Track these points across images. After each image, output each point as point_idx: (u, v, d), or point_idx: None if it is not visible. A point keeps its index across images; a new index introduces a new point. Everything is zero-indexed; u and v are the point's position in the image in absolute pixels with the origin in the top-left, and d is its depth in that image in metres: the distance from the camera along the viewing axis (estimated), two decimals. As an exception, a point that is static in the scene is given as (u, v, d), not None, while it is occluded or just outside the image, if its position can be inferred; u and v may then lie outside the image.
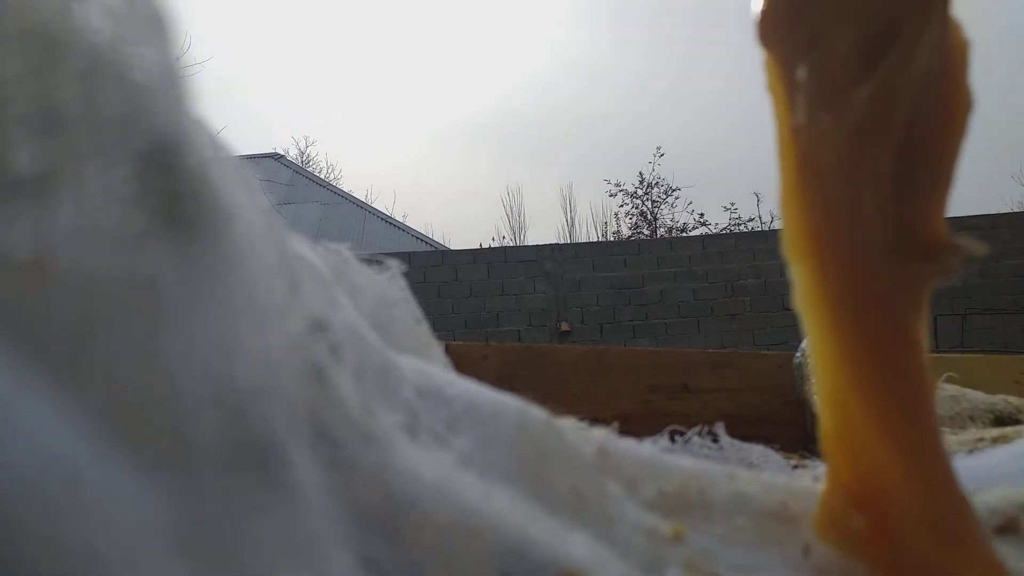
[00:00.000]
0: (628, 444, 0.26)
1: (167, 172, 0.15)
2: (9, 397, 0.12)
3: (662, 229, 12.46)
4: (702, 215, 12.43)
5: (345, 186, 14.44)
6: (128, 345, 0.14)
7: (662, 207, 12.70)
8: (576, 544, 0.20)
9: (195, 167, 0.15)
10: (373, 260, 0.28)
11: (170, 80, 0.16)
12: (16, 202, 0.13)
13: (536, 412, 0.24)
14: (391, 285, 0.28)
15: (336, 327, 0.20)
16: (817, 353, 0.24)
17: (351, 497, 0.17)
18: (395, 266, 0.29)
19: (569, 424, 0.25)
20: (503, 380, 0.76)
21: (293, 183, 10.55)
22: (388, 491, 0.18)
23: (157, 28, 0.16)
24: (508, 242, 13.04)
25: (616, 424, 0.54)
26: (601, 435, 0.26)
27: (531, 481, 0.21)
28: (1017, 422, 0.62)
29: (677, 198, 12.66)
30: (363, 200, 11.67)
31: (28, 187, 0.13)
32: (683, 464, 0.26)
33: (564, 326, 5.86)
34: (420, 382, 0.24)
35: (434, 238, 11.38)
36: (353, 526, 0.17)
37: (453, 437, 0.22)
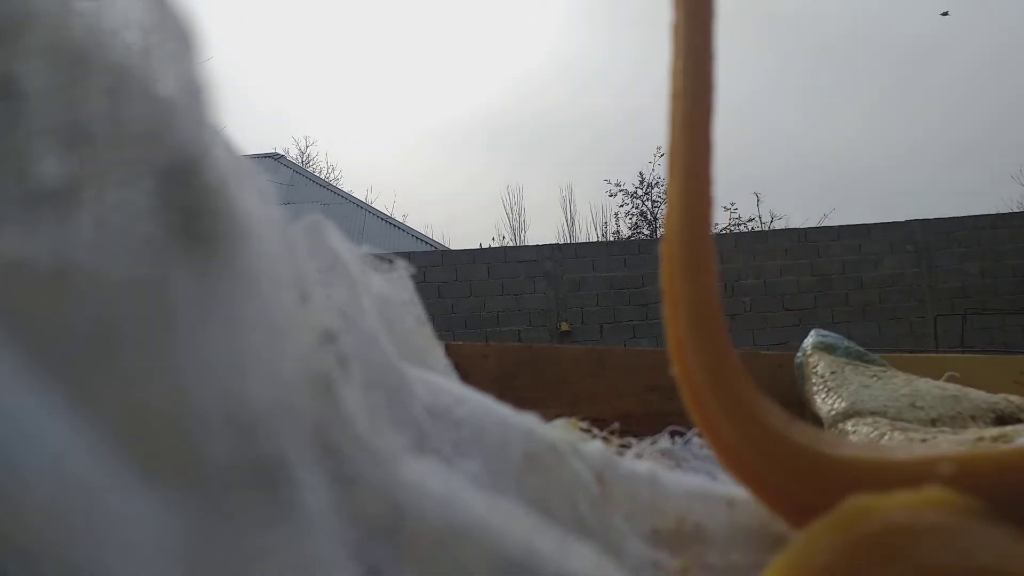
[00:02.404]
0: (625, 469, 0.26)
1: (187, 188, 0.15)
2: (30, 416, 0.12)
3: (662, 229, 12.44)
4: (702, 215, 12.41)
5: (345, 186, 14.47)
6: (143, 360, 0.14)
7: (662, 207, 12.69)
8: (583, 558, 0.20)
9: (214, 183, 0.15)
10: (385, 260, 0.28)
11: (194, 95, 0.16)
12: (38, 213, 0.13)
13: (543, 437, 0.24)
14: (397, 286, 0.28)
15: (346, 337, 0.20)
16: None
17: (356, 510, 0.17)
18: (403, 267, 0.29)
19: (571, 444, 0.25)
20: (503, 380, 0.76)
21: (293, 183, 10.56)
22: (393, 503, 0.18)
23: (183, 42, 0.16)
24: (508, 242, 13.06)
25: (616, 424, 0.54)
26: (599, 458, 0.25)
27: (536, 510, 0.21)
28: (1018, 421, 0.62)
29: (677, 198, 12.64)
30: (363, 200, 11.69)
31: (51, 199, 0.13)
32: (681, 491, 0.26)
33: (564, 326, 5.87)
34: (431, 401, 0.23)
35: (434, 238, 11.40)
36: (358, 538, 0.17)
37: (460, 460, 0.22)
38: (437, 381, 0.25)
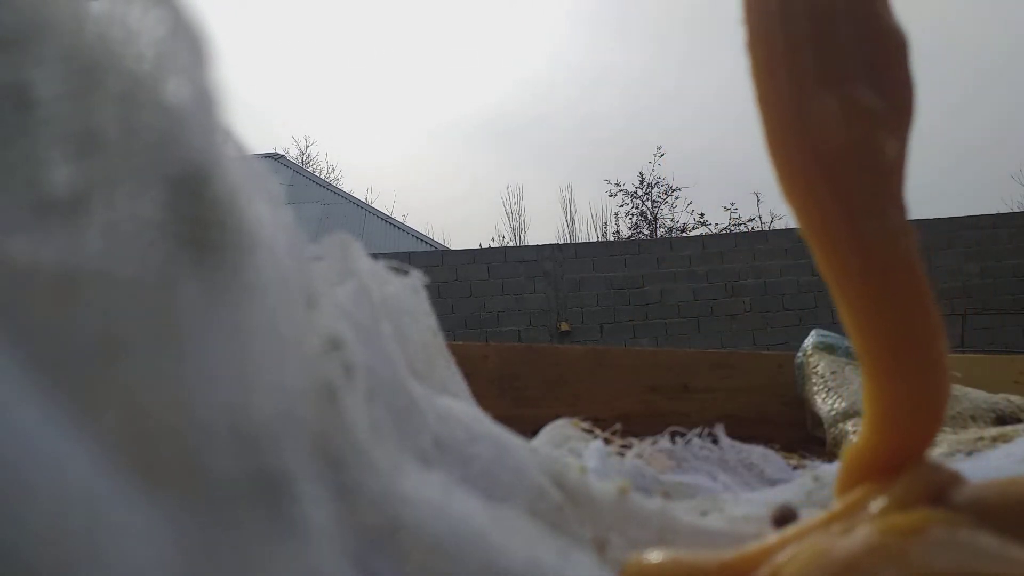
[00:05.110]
0: (634, 525, 0.25)
1: (197, 199, 0.15)
2: (33, 425, 0.12)
3: (662, 229, 12.47)
4: (702, 215, 12.43)
5: (345, 186, 14.46)
6: (148, 370, 0.14)
7: (662, 207, 12.71)
8: (584, 569, 0.20)
9: (224, 194, 0.15)
10: (400, 270, 0.28)
11: (205, 104, 0.16)
12: (47, 221, 0.13)
13: (552, 499, 0.24)
14: (411, 296, 0.28)
15: (353, 345, 0.20)
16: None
17: (357, 520, 0.17)
18: (417, 276, 0.28)
19: (579, 499, 0.25)
20: (503, 380, 0.76)
21: (293, 183, 10.55)
22: (393, 514, 0.18)
23: (196, 51, 0.16)
24: (508, 242, 13.04)
25: (618, 425, 0.54)
26: (607, 519, 0.25)
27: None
28: (1018, 421, 0.63)
29: (677, 198, 12.66)
30: (363, 200, 11.68)
31: (61, 207, 0.13)
32: (689, 532, 0.26)
33: (564, 326, 5.86)
34: (441, 432, 0.23)
35: (434, 238, 11.39)
36: (359, 548, 0.17)
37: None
38: (453, 411, 0.25)
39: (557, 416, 0.51)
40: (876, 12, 0.21)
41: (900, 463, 0.21)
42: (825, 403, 0.68)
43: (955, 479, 0.21)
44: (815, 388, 0.71)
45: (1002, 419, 0.63)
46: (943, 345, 0.22)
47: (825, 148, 0.20)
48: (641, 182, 12.69)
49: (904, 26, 0.21)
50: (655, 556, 0.22)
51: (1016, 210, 9.25)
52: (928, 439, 0.22)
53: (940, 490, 0.21)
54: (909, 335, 0.21)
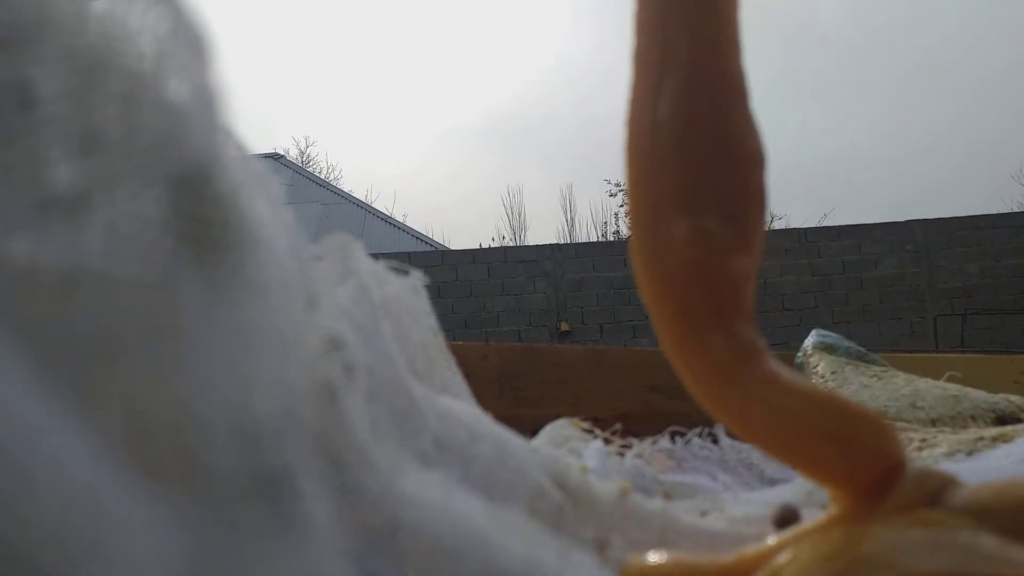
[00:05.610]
0: (635, 526, 0.25)
1: (198, 198, 0.15)
2: (36, 423, 0.12)
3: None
4: (702, 215, 12.41)
5: (345, 186, 14.45)
6: (149, 369, 0.14)
7: (662, 207, 12.69)
8: (583, 569, 0.20)
9: (226, 193, 0.15)
10: (400, 270, 0.28)
11: (207, 103, 0.16)
12: (48, 221, 0.13)
13: (553, 498, 0.24)
14: (411, 296, 0.28)
15: (353, 345, 0.20)
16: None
17: (357, 520, 0.17)
18: (417, 276, 0.28)
19: (580, 497, 0.25)
20: (503, 380, 0.76)
21: (293, 183, 10.55)
22: (393, 514, 0.18)
23: (197, 51, 0.16)
24: (508, 242, 13.04)
25: (618, 425, 0.54)
26: (607, 519, 0.25)
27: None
28: (1018, 421, 0.63)
29: (677, 198, 12.64)
30: (363, 200, 11.68)
31: (61, 207, 0.13)
32: (691, 534, 0.26)
33: (564, 326, 5.86)
34: (442, 433, 0.23)
35: (434, 238, 11.39)
36: (359, 548, 0.17)
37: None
38: (454, 411, 0.25)
39: (557, 416, 0.51)
40: (741, 138, 0.22)
41: (886, 482, 0.21)
42: (825, 403, 0.68)
43: (950, 482, 0.21)
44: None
45: (1002, 419, 0.63)
46: (835, 423, 0.21)
47: (674, 269, 0.21)
48: (641, 182, 12.69)
49: (763, 142, 0.22)
50: (655, 558, 0.22)
51: (1016, 210, 9.25)
52: (896, 461, 0.22)
53: (936, 493, 0.21)
54: (788, 435, 0.21)
